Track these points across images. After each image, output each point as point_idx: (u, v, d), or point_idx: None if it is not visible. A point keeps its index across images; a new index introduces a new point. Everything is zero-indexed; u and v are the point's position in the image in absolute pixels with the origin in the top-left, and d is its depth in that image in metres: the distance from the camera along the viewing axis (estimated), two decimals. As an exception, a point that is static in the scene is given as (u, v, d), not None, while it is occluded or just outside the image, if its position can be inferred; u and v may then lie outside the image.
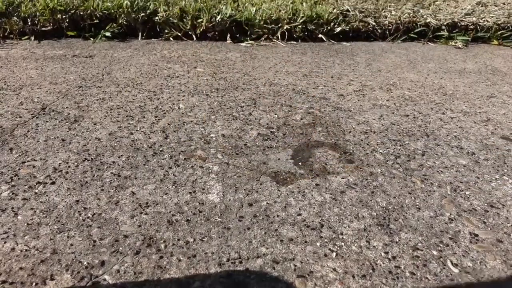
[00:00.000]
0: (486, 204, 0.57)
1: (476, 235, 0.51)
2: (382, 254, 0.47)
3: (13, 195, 0.55)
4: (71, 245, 0.47)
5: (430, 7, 1.68)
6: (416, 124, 0.81)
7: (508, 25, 1.55)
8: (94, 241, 0.47)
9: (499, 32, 1.54)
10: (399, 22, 1.51)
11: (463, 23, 1.55)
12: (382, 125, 0.80)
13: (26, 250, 0.46)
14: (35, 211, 0.52)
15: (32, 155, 0.64)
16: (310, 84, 1.00)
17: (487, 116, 0.87)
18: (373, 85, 1.02)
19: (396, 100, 0.93)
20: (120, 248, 0.46)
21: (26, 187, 0.57)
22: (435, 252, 0.48)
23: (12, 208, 0.52)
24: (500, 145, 0.74)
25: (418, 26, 1.52)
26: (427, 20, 1.53)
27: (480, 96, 0.98)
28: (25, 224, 0.49)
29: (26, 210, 0.52)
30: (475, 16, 1.59)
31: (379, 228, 0.52)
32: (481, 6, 1.72)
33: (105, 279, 0.42)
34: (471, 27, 1.54)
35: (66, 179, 0.59)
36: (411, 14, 1.56)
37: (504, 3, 1.76)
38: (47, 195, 0.55)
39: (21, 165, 0.62)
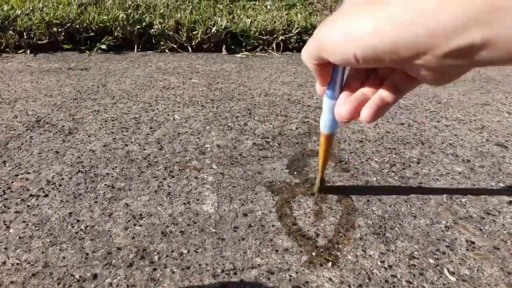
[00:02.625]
0: (482, 211, 0.57)
1: (473, 243, 0.51)
2: (378, 263, 0.47)
3: (5, 208, 0.54)
4: (63, 258, 0.46)
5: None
6: (411, 132, 0.81)
7: (501, 33, 1.57)
8: (87, 254, 0.47)
9: (492, 41, 1.55)
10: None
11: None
12: (377, 133, 0.80)
13: (17, 264, 0.45)
14: (27, 224, 0.51)
15: (26, 167, 0.64)
16: (305, 93, 1.01)
17: (482, 123, 0.87)
18: (368, 94, 1.02)
19: (391, 108, 0.93)
20: (113, 261, 0.46)
21: (19, 200, 0.56)
22: (431, 261, 0.48)
23: (4, 221, 0.52)
24: (495, 152, 0.74)
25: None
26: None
27: (475, 104, 0.99)
28: (17, 237, 0.49)
29: (18, 223, 0.51)
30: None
31: (375, 237, 0.51)
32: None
33: (97, 293, 0.42)
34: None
35: (59, 191, 0.58)
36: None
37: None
38: (39, 208, 0.54)
39: (14, 178, 0.61)
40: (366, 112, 0.34)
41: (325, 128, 0.47)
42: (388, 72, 0.34)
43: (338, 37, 0.28)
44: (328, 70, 0.36)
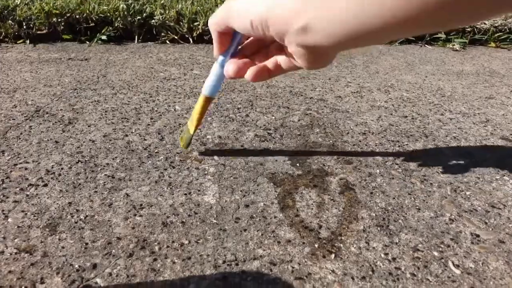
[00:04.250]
0: (487, 205, 0.56)
1: (478, 236, 0.50)
2: (382, 255, 0.46)
3: (4, 198, 0.53)
4: (63, 247, 0.45)
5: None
6: (414, 125, 0.80)
7: (505, 27, 1.55)
8: (86, 244, 0.46)
9: (496, 35, 1.54)
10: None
11: (460, 26, 1.55)
12: (381, 126, 0.79)
13: (16, 253, 0.44)
14: (26, 214, 0.50)
15: (25, 157, 0.63)
16: (307, 86, 1.00)
17: (486, 117, 0.86)
18: (371, 86, 1.02)
19: (394, 101, 0.92)
20: (113, 251, 0.45)
21: (18, 189, 0.55)
22: (436, 253, 0.47)
23: (3, 210, 0.51)
24: (499, 146, 0.73)
25: (415, 28, 1.52)
26: (424, 23, 1.53)
27: (479, 97, 0.98)
28: (16, 227, 0.48)
29: (17, 212, 0.51)
30: (472, 18, 1.59)
31: (379, 229, 0.51)
32: (478, 9, 1.72)
33: (96, 282, 0.41)
34: (469, 29, 1.54)
35: (59, 181, 0.58)
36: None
37: (500, 6, 1.76)
38: (38, 197, 0.54)
39: (13, 168, 0.60)
40: (250, 72, 0.41)
41: (207, 90, 0.51)
42: (277, 50, 0.41)
43: (242, 7, 0.34)
44: (227, 39, 0.42)
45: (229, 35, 0.41)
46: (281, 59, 0.40)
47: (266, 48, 0.42)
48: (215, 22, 0.38)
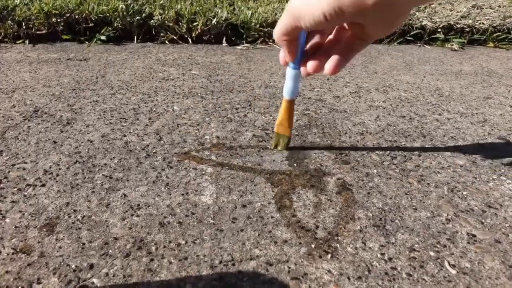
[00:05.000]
0: (483, 205, 0.56)
1: (474, 236, 0.50)
2: (378, 255, 0.46)
3: (1, 198, 0.53)
4: (60, 248, 0.45)
5: (426, 10, 1.68)
6: (412, 125, 0.80)
7: (504, 27, 1.55)
8: (83, 244, 0.46)
9: (494, 35, 1.54)
10: (395, 25, 1.51)
11: (459, 26, 1.55)
12: (379, 126, 0.79)
13: (13, 253, 0.44)
14: (24, 214, 0.51)
15: (23, 157, 0.63)
16: (306, 86, 1.00)
17: (484, 117, 0.86)
18: (369, 86, 1.02)
19: (393, 101, 0.92)
20: (110, 251, 0.45)
21: (15, 189, 0.55)
22: (432, 253, 0.47)
23: (0, 211, 0.51)
24: (497, 146, 0.73)
25: (414, 28, 1.52)
26: (423, 23, 1.53)
27: (477, 97, 0.98)
28: (13, 227, 0.48)
29: (15, 212, 0.51)
30: (471, 18, 1.59)
31: (375, 229, 0.51)
32: (477, 9, 1.72)
33: (93, 283, 0.41)
34: (467, 29, 1.54)
35: (57, 181, 0.58)
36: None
37: (499, 6, 1.77)
38: (36, 198, 0.54)
39: (11, 168, 0.60)
40: (329, 65, 0.44)
41: (288, 94, 0.58)
42: (333, 44, 0.45)
43: (307, 4, 0.36)
44: (296, 44, 0.45)
45: (296, 40, 0.44)
46: (350, 41, 0.43)
47: (322, 47, 0.46)
48: (283, 33, 0.42)
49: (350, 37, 0.43)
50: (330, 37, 0.46)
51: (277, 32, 0.42)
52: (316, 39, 0.47)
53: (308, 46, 0.48)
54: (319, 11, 0.35)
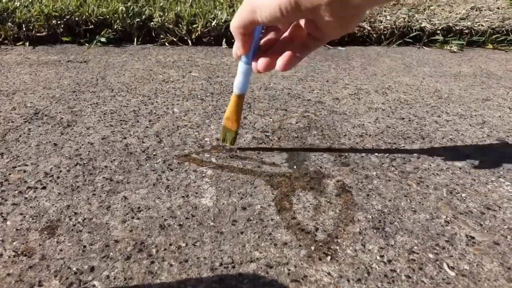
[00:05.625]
0: (482, 207, 0.57)
1: (473, 238, 0.51)
2: (378, 257, 0.47)
3: (2, 200, 0.54)
4: (61, 250, 0.46)
5: (425, 12, 1.69)
6: (411, 127, 0.81)
7: (503, 29, 1.56)
8: (84, 247, 0.46)
9: (493, 36, 1.54)
10: (394, 26, 1.52)
11: (458, 28, 1.55)
12: (378, 128, 0.79)
13: (14, 256, 0.45)
14: (25, 216, 0.51)
15: (23, 160, 0.63)
16: (305, 88, 1.00)
17: (483, 119, 0.86)
18: (368, 88, 1.02)
19: (392, 103, 0.93)
20: (111, 254, 0.45)
21: (16, 192, 0.56)
22: (431, 255, 0.47)
23: (1, 213, 0.51)
24: (496, 148, 0.74)
25: (413, 30, 1.52)
26: (422, 25, 1.54)
27: (476, 99, 0.98)
28: (14, 230, 0.49)
29: (16, 215, 0.51)
30: (470, 20, 1.60)
31: (375, 231, 0.51)
32: (476, 11, 1.72)
33: (94, 285, 0.41)
34: (466, 31, 1.55)
35: (57, 184, 0.58)
36: (406, 19, 1.57)
37: (498, 8, 1.77)
38: (37, 200, 0.54)
39: (12, 170, 0.61)
40: (280, 62, 0.44)
41: (238, 89, 0.57)
42: (288, 42, 0.45)
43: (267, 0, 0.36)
44: (250, 38, 0.45)
45: (251, 35, 0.44)
46: (305, 40, 0.43)
47: (276, 45, 0.46)
48: (239, 26, 0.42)
49: (305, 36, 0.43)
50: (285, 34, 0.46)
51: (234, 24, 0.42)
52: (271, 36, 0.47)
53: (262, 42, 0.48)
54: (276, 5, 0.35)
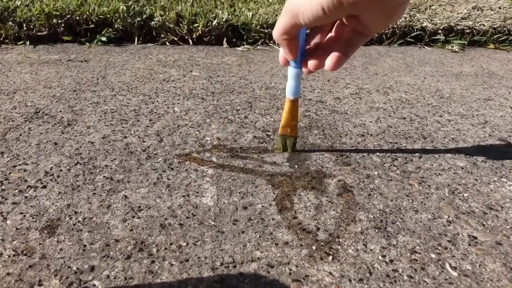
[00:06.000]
0: (484, 207, 0.56)
1: (475, 238, 0.50)
2: (380, 257, 0.46)
3: (2, 199, 0.54)
4: (61, 249, 0.45)
5: (426, 11, 1.68)
6: (413, 126, 0.80)
7: (504, 29, 1.56)
8: (84, 246, 0.46)
9: (495, 36, 1.54)
10: (395, 26, 1.51)
11: (459, 27, 1.55)
12: (379, 127, 0.79)
13: (14, 255, 0.44)
14: (25, 215, 0.51)
15: (24, 159, 0.63)
16: (306, 87, 1.00)
17: (485, 118, 0.86)
18: (369, 88, 1.02)
19: (393, 103, 0.92)
20: (111, 253, 0.45)
21: (17, 191, 0.55)
22: (433, 255, 0.47)
23: (1, 212, 0.51)
24: (498, 147, 0.73)
25: (415, 30, 1.52)
26: (424, 24, 1.53)
27: (477, 99, 0.98)
28: (14, 229, 0.48)
29: (16, 214, 0.51)
30: (471, 20, 1.59)
31: (376, 231, 0.51)
32: (477, 10, 1.72)
33: (94, 285, 0.41)
34: (467, 31, 1.54)
35: (58, 183, 0.58)
36: (407, 19, 1.56)
37: (500, 7, 1.77)
38: (37, 199, 0.54)
39: (12, 169, 0.60)
40: (329, 61, 0.44)
41: (291, 94, 0.58)
42: (334, 41, 0.45)
43: (305, 1, 0.36)
44: (296, 43, 0.46)
45: (296, 39, 0.45)
46: (350, 37, 0.43)
47: (322, 46, 0.47)
48: (282, 32, 0.42)
49: (350, 32, 0.43)
50: (330, 34, 0.47)
51: (277, 32, 0.43)
52: (316, 37, 0.48)
53: (308, 45, 0.48)
54: (318, 5, 0.35)
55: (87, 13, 1.36)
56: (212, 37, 1.40)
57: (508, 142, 0.76)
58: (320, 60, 0.45)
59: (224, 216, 0.52)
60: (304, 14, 0.38)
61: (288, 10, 0.39)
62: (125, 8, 1.38)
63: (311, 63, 0.46)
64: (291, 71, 0.54)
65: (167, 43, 1.38)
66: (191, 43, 1.39)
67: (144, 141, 0.70)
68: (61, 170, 0.61)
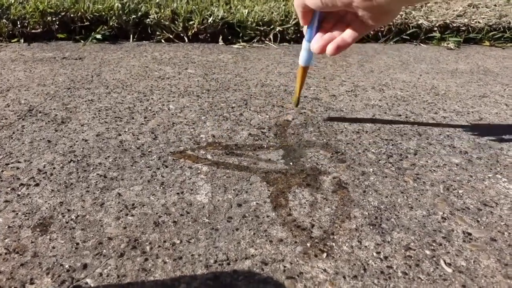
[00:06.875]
0: (479, 203, 0.56)
1: (470, 234, 0.50)
2: (374, 254, 0.46)
3: (-6, 198, 0.53)
4: (53, 248, 0.45)
5: (422, 8, 1.68)
6: (408, 123, 0.80)
7: (500, 26, 1.56)
8: (77, 244, 0.46)
9: (490, 33, 1.54)
10: (391, 24, 1.51)
11: (455, 25, 1.55)
12: (374, 124, 0.79)
13: (6, 253, 0.44)
14: (17, 213, 0.50)
15: (17, 156, 0.63)
16: (302, 84, 1.00)
17: (480, 115, 0.86)
18: (365, 85, 1.02)
19: (389, 100, 0.92)
20: (104, 251, 0.45)
21: (9, 189, 0.55)
22: (428, 252, 0.47)
23: (-7, 210, 0.51)
24: (493, 144, 0.73)
25: (410, 27, 1.52)
26: (419, 22, 1.53)
27: (473, 96, 0.98)
28: (6, 227, 0.48)
29: (8, 212, 0.50)
30: (467, 17, 1.59)
31: (371, 227, 0.51)
32: (473, 8, 1.72)
33: (86, 283, 0.41)
34: (463, 28, 1.55)
35: (51, 180, 0.57)
36: (403, 16, 1.56)
37: (495, 5, 1.77)
38: (30, 197, 0.53)
39: (5, 167, 0.60)
40: (330, 48, 0.51)
41: (302, 61, 0.66)
42: (351, 18, 0.50)
43: None
44: (309, 14, 0.53)
45: (310, 12, 0.52)
46: (355, 25, 0.49)
47: (343, 19, 0.52)
48: (296, 5, 0.51)
49: (355, 21, 0.49)
50: (341, 21, 0.52)
51: (295, 3, 0.51)
52: (329, 22, 0.53)
53: (322, 25, 0.54)
54: None
55: (82, 10, 1.35)
56: (208, 35, 1.40)
57: (503, 138, 0.76)
58: (325, 44, 0.52)
59: (218, 213, 0.52)
60: (307, 1, 0.47)
61: None
62: (120, 5, 1.38)
63: (316, 46, 0.53)
64: (304, 43, 0.60)
65: (163, 41, 1.37)
66: (186, 40, 1.38)
67: (138, 139, 0.69)
68: (54, 168, 0.60)
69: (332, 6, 0.44)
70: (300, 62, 0.67)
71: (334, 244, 0.48)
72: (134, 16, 1.37)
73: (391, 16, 0.45)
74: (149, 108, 0.82)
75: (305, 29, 0.57)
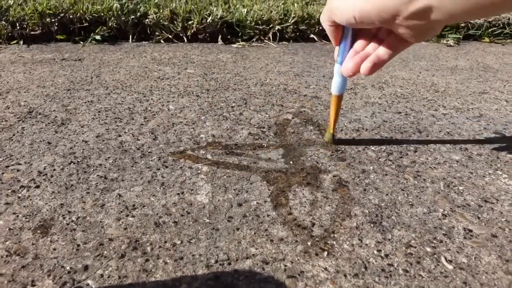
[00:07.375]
0: (480, 199, 0.56)
1: (470, 231, 0.50)
2: (375, 252, 0.46)
3: (-5, 200, 0.53)
4: (54, 249, 0.45)
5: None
6: (408, 121, 0.80)
7: (499, 22, 1.55)
8: (78, 245, 0.46)
9: (490, 30, 1.54)
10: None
11: (454, 21, 1.54)
12: (374, 122, 0.79)
13: (7, 256, 0.44)
14: (18, 216, 0.50)
15: (17, 158, 0.63)
16: (301, 83, 1.00)
17: (480, 112, 0.86)
18: (365, 83, 1.01)
19: (388, 97, 0.92)
20: (105, 252, 0.45)
21: (9, 191, 0.55)
22: (428, 249, 0.47)
23: (-6, 213, 0.51)
24: (493, 140, 0.73)
25: (410, 24, 1.52)
26: (419, 19, 1.53)
27: (472, 92, 0.98)
28: (7, 229, 0.48)
29: (9, 214, 0.50)
30: (466, 14, 1.59)
31: (372, 225, 0.51)
32: (472, 4, 1.72)
33: (88, 284, 0.41)
34: (462, 25, 1.54)
35: (51, 182, 0.57)
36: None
37: (494, 1, 1.76)
38: (30, 199, 0.53)
39: (5, 169, 0.60)
40: (364, 67, 0.47)
41: (336, 89, 0.59)
42: (384, 34, 0.46)
43: (343, 4, 0.41)
44: (338, 30, 0.48)
45: (339, 28, 0.48)
46: (392, 42, 0.46)
47: (375, 35, 0.48)
48: (323, 20, 0.47)
49: (392, 37, 0.45)
50: (374, 39, 0.48)
51: (321, 18, 0.47)
52: (361, 41, 0.49)
53: (356, 44, 0.49)
54: (350, 13, 0.40)
55: (81, 11, 1.35)
56: (207, 34, 1.40)
57: (503, 135, 0.76)
58: (358, 64, 0.47)
59: (219, 213, 0.52)
60: (338, 17, 0.42)
61: (328, 6, 0.43)
62: (119, 6, 1.38)
63: (347, 68, 0.48)
64: (336, 66, 0.55)
65: (162, 41, 1.37)
66: (185, 40, 1.38)
67: (138, 139, 0.70)
68: (54, 170, 0.60)
69: (368, 23, 0.39)
70: (333, 90, 0.59)
71: (334, 242, 0.48)
72: (133, 17, 1.37)
73: (434, 32, 0.40)
74: (149, 108, 0.82)
75: (336, 51, 0.52)
